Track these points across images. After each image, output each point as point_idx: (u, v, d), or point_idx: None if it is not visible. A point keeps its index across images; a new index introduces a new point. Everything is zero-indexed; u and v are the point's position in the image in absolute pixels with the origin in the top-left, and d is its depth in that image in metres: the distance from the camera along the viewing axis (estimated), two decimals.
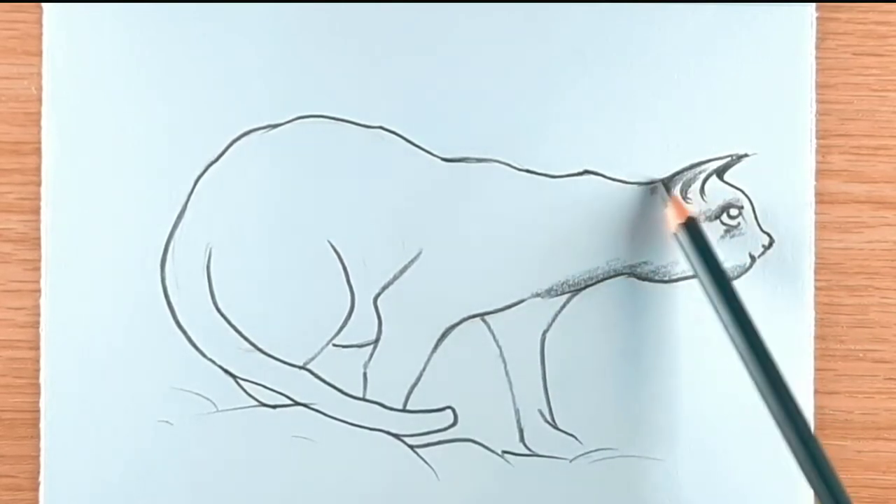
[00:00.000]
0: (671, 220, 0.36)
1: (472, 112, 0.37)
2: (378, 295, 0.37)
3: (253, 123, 0.37)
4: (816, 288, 0.37)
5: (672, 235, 0.36)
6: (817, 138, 0.37)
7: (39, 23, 0.37)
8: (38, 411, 0.37)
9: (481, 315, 0.37)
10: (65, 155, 0.37)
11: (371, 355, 0.37)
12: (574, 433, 0.37)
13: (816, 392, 0.37)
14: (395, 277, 0.37)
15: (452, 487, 0.37)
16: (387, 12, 0.37)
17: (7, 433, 0.37)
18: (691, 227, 0.36)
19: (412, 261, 0.37)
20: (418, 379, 0.37)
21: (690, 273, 0.37)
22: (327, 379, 0.37)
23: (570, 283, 0.37)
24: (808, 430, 0.33)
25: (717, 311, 0.35)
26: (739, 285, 0.37)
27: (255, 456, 0.37)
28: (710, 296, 0.35)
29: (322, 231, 0.37)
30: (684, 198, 0.37)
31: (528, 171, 0.37)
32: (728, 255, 0.37)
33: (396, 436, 0.37)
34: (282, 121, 0.37)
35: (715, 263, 0.35)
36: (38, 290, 0.37)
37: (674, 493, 0.37)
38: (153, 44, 0.37)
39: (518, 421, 0.37)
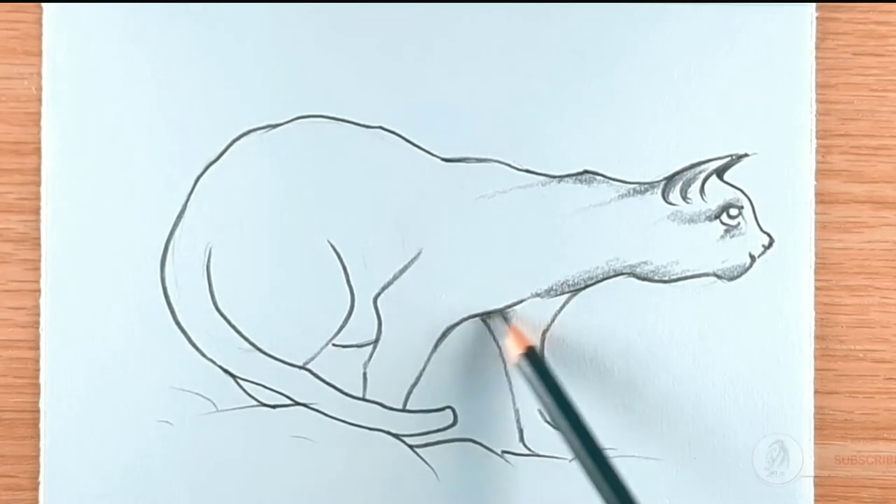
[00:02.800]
0: (511, 351, 0.36)
1: (472, 112, 0.37)
2: (378, 295, 0.37)
3: (253, 123, 0.37)
4: (816, 288, 0.37)
5: (513, 367, 0.36)
6: (817, 138, 0.37)
7: (39, 23, 0.37)
8: (38, 411, 0.37)
9: (481, 315, 0.37)
10: (65, 155, 0.37)
11: (371, 355, 0.37)
12: None
13: (816, 392, 0.37)
14: (395, 277, 0.37)
15: (452, 487, 0.37)
16: (387, 12, 0.37)
17: (7, 433, 0.37)
18: (532, 358, 0.35)
19: (412, 261, 0.37)
20: (418, 379, 0.37)
21: (690, 273, 0.37)
22: (327, 379, 0.37)
23: (570, 283, 0.37)
24: None
25: (567, 441, 0.34)
26: (739, 285, 0.37)
27: (255, 456, 0.37)
28: (558, 426, 0.34)
29: (322, 231, 0.37)
30: (684, 198, 0.37)
31: (528, 171, 0.37)
32: (728, 255, 0.37)
33: (396, 436, 0.37)
34: (282, 121, 0.37)
35: (560, 393, 0.34)
36: (38, 290, 0.37)
37: (674, 493, 0.37)
38: (153, 44, 0.37)
39: (518, 421, 0.37)
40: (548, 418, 0.35)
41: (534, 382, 0.35)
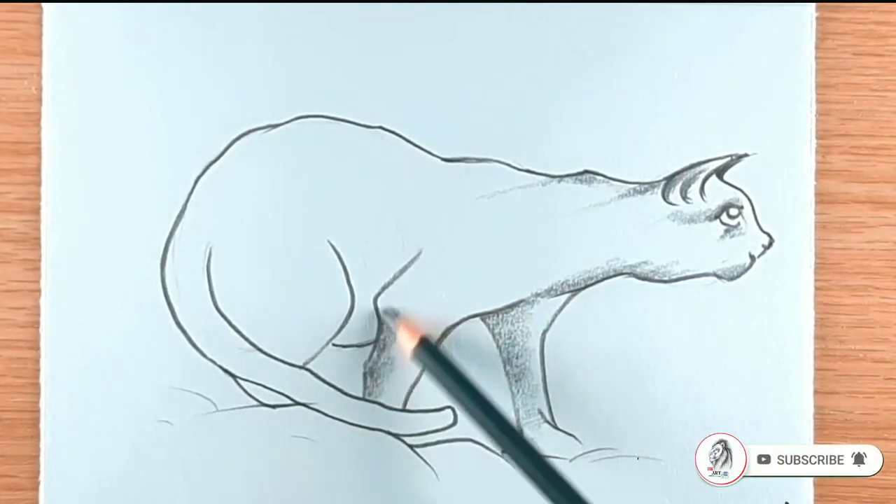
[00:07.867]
0: (405, 345, 0.36)
1: (472, 112, 0.37)
2: (378, 295, 0.37)
3: (253, 123, 0.37)
4: (816, 288, 0.37)
5: (411, 360, 0.36)
6: (817, 138, 0.37)
7: (39, 23, 0.37)
8: (38, 411, 0.37)
9: (481, 315, 0.37)
10: (65, 155, 0.37)
11: (371, 355, 0.37)
12: (574, 433, 0.37)
13: (816, 392, 0.37)
14: (395, 277, 0.37)
15: (452, 487, 0.37)
16: (387, 12, 0.37)
17: (7, 433, 0.37)
18: (428, 347, 0.35)
19: (412, 261, 0.37)
20: (418, 379, 0.37)
21: (690, 273, 0.37)
22: (327, 379, 0.37)
23: (570, 283, 0.37)
24: None
25: (478, 425, 0.34)
26: (739, 285, 0.37)
27: (255, 456, 0.37)
28: (466, 409, 0.34)
29: (322, 231, 0.37)
30: (684, 198, 0.37)
31: (528, 171, 0.37)
32: (728, 255, 0.37)
33: (396, 436, 0.37)
34: (282, 121, 0.37)
35: (461, 377, 0.34)
36: (38, 290, 0.37)
37: (674, 493, 0.37)
38: (153, 44, 0.37)
39: (518, 421, 0.37)
40: (457, 403, 0.35)
41: (434, 372, 0.35)
